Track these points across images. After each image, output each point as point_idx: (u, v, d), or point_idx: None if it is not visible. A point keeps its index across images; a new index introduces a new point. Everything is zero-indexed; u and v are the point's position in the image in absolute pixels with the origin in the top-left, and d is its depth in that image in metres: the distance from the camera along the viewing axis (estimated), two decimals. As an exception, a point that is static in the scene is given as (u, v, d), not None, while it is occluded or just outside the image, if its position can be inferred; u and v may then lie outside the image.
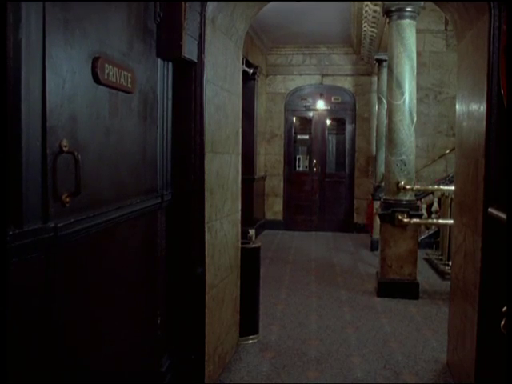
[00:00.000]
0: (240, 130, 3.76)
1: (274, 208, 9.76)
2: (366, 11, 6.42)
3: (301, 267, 6.59)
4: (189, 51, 2.70)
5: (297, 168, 10.01)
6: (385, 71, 7.17)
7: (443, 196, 6.64)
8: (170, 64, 2.76)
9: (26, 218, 1.52)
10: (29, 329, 1.55)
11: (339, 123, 9.90)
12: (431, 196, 7.37)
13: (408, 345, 3.92)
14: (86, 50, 1.87)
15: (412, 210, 5.24)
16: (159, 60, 2.64)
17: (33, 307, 1.57)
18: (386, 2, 5.17)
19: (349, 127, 9.63)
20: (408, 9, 5.09)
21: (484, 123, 2.68)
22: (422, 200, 7.22)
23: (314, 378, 3.34)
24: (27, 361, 1.55)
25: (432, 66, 7.97)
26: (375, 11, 6.24)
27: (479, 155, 2.79)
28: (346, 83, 9.50)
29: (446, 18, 6.75)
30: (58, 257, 1.69)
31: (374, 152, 8.49)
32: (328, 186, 9.69)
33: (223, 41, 3.26)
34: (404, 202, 5.22)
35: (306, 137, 10.00)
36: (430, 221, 6.69)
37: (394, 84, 5.23)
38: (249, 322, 3.91)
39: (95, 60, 1.91)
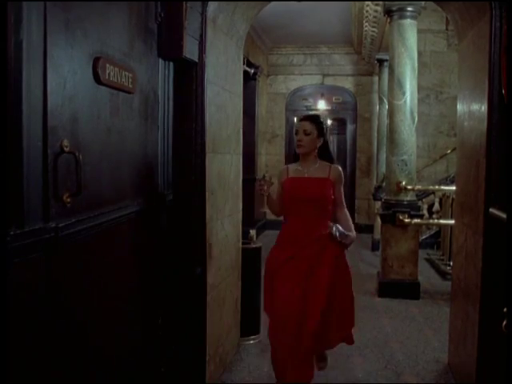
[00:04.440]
0: (241, 130, 3.76)
1: (275, 208, 9.74)
2: (366, 11, 6.41)
3: (302, 267, 6.57)
4: (190, 51, 2.70)
5: (298, 168, 9.99)
6: (386, 71, 7.16)
7: (444, 196, 6.63)
8: (171, 64, 2.76)
9: (27, 218, 1.52)
10: (29, 329, 1.55)
11: (340, 123, 9.89)
12: (432, 196, 7.36)
13: (409, 345, 3.91)
14: (87, 50, 1.88)
15: (413, 210, 5.23)
16: (160, 60, 2.64)
17: (34, 307, 1.57)
18: (386, 2, 5.17)
19: (350, 127, 9.63)
20: (409, 9, 5.09)
21: (485, 123, 2.68)
22: (423, 200, 7.21)
23: (314, 378, 3.33)
24: (27, 361, 1.55)
25: (433, 65, 7.96)
26: (376, 11, 6.24)
27: (480, 155, 2.78)
28: (347, 83, 9.49)
29: (447, 18, 6.74)
30: (59, 257, 1.69)
31: (375, 152, 8.48)
32: (329, 186, 9.65)
33: (224, 41, 3.26)
34: (405, 202, 5.22)
35: (307, 137, 9.99)
36: (431, 221, 6.68)
37: (395, 84, 5.23)
38: (250, 322, 3.91)
39: (96, 60, 1.91)
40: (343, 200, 3.08)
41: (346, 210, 3.08)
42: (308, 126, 2.96)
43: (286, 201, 3.02)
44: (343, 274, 3.03)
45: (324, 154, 3.04)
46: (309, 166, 3.00)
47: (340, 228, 2.92)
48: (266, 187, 2.89)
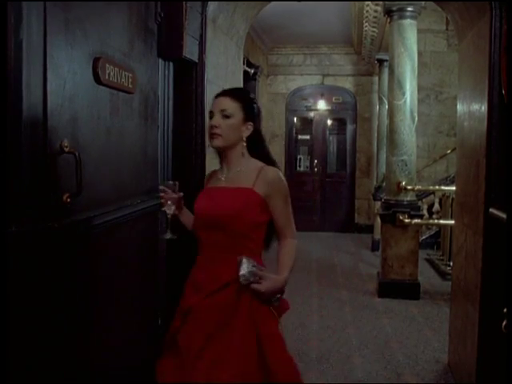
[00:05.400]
0: (241, 130, 3.75)
1: (275, 208, 9.73)
2: (366, 11, 6.41)
3: (302, 267, 6.58)
4: (190, 51, 2.70)
5: (298, 168, 10.01)
6: (386, 71, 7.16)
7: (444, 196, 6.63)
8: (171, 64, 2.76)
9: (27, 218, 1.52)
10: (29, 330, 1.55)
11: (340, 123, 9.90)
12: (432, 196, 7.36)
13: (409, 345, 3.91)
14: (87, 50, 1.88)
15: (413, 210, 5.23)
16: (160, 60, 2.64)
17: (33, 308, 1.57)
18: (386, 2, 5.17)
19: (350, 127, 9.63)
20: (409, 9, 5.10)
21: (485, 123, 2.68)
22: (423, 200, 7.22)
23: (314, 378, 3.33)
24: (27, 363, 1.55)
25: (433, 66, 7.96)
26: (376, 11, 6.24)
27: (480, 155, 2.78)
28: (347, 83, 9.49)
29: (447, 18, 6.74)
30: (59, 257, 1.69)
31: (375, 152, 8.48)
32: (329, 186, 9.68)
33: (224, 41, 3.27)
34: (405, 203, 5.22)
35: (307, 137, 10.01)
36: (431, 221, 6.69)
37: (395, 84, 5.23)
38: (250, 323, 3.91)
39: (96, 60, 1.91)
40: (290, 223, 1.98)
41: (292, 240, 1.98)
42: (228, 103, 1.95)
43: (194, 225, 2.07)
44: (269, 346, 1.90)
45: (257, 149, 2.01)
46: (230, 169, 2.00)
47: (252, 263, 1.80)
48: (165, 198, 1.99)
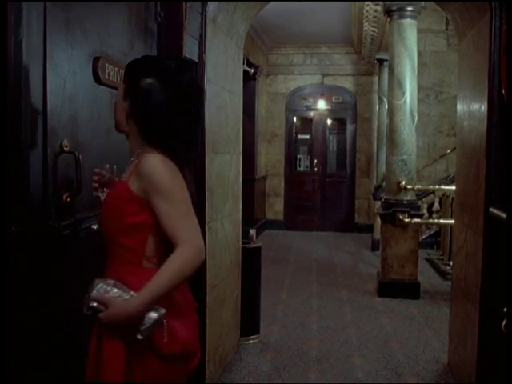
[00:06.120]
0: (241, 129, 3.75)
1: (275, 208, 9.76)
2: (366, 11, 6.41)
3: (302, 267, 6.58)
4: (189, 51, 2.70)
5: (297, 168, 10.01)
6: (386, 71, 7.16)
7: (444, 196, 6.63)
8: (171, 64, 2.76)
9: (27, 217, 1.52)
10: (29, 329, 1.55)
11: (340, 123, 9.90)
12: (432, 196, 7.36)
13: (409, 345, 3.91)
14: (87, 50, 1.88)
15: (413, 209, 5.23)
16: (160, 60, 2.64)
17: (34, 307, 1.57)
18: (386, 2, 5.17)
19: (349, 127, 9.63)
20: (409, 8, 5.09)
21: (485, 123, 2.68)
22: (423, 200, 7.22)
23: (314, 378, 3.33)
24: (27, 362, 1.55)
25: (433, 65, 7.96)
26: (376, 11, 6.23)
27: (480, 155, 2.78)
28: (347, 83, 9.49)
29: (447, 18, 6.74)
30: (59, 257, 1.69)
31: (375, 152, 8.48)
32: (329, 186, 9.68)
33: (224, 41, 3.26)
34: (405, 202, 5.22)
35: (307, 137, 10.01)
36: (430, 221, 6.69)
37: (395, 84, 5.23)
38: (250, 322, 3.91)
39: (96, 60, 1.91)
40: (180, 227, 1.45)
41: (183, 249, 1.43)
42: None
43: None
44: None
45: (149, 133, 1.52)
46: (132, 159, 1.58)
47: (104, 286, 1.43)
48: (100, 183, 1.66)
